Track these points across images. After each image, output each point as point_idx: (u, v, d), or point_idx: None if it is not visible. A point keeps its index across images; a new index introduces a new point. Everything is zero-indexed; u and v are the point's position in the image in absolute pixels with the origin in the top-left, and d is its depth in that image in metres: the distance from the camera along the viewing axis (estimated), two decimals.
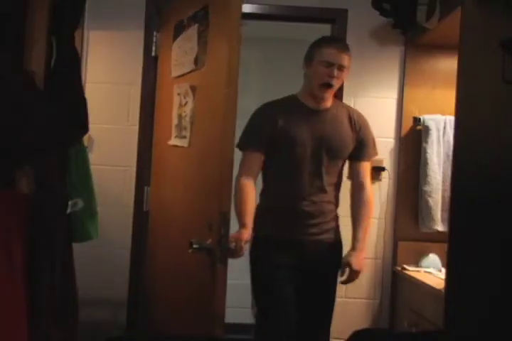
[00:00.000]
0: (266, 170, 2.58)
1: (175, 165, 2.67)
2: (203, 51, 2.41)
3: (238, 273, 2.93)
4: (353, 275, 2.56)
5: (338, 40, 2.69)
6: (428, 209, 2.92)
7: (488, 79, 1.73)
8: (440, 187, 2.93)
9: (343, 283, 2.59)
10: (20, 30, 1.91)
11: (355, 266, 2.54)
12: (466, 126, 1.93)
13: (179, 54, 2.63)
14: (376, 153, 2.70)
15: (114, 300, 3.02)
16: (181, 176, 2.59)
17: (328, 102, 2.57)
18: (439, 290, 2.34)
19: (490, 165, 1.72)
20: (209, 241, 2.22)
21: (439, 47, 2.94)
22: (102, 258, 2.98)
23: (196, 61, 2.45)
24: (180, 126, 2.57)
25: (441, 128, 2.96)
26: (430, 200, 2.92)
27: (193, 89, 2.47)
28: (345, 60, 2.49)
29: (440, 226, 2.91)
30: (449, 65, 2.89)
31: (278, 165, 2.55)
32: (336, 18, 3.06)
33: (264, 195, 2.60)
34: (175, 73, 2.66)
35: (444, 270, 2.60)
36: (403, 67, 3.06)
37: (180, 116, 2.56)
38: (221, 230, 2.21)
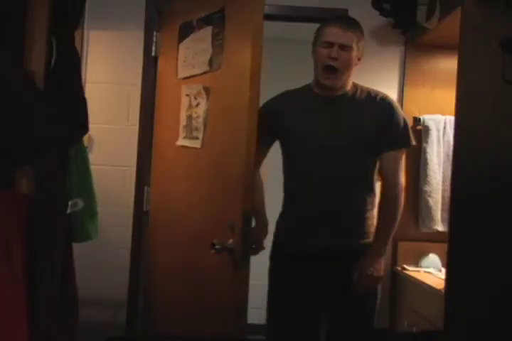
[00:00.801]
0: (283, 165, 2.46)
1: (185, 166, 2.67)
2: (218, 53, 2.45)
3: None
4: (363, 281, 2.27)
5: (343, 18, 2.41)
6: (428, 209, 2.92)
7: (488, 79, 1.73)
8: (440, 187, 2.93)
9: (355, 291, 2.28)
10: (20, 30, 1.91)
11: (363, 271, 2.27)
12: (466, 126, 1.93)
13: (188, 55, 2.64)
14: (407, 142, 2.36)
15: (114, 300, 3.02)
16: (194, 177, 2.61)
17: (342, 88, 2.32)
18: (439, 290, 2.35)
19: (490, 165, 1.72)
20: (230, 241, 2.23)
21: (439, 47, 2.94)
22: (102, 258, 2.98)
23: (211, 63, 2.49)
24: (190, 127, 2.59)
25: (441, 128, 2.96)
26: (430, 200, 2.92)
27: (207, 90, 2.50)
28: (348, 38, 2.24)
29: (440, 226, 2.91)
30: (449, 65, 2.89)
31: (287, 161, 2.42)
32: None
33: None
34: (183, 74, 2.68)
35: (444, 270, 2.60)
36: (403, 67, 3.06)
37: (190, 117, 2.58)
38: (243, 230, 2.24)
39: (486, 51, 1.76)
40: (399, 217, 2.34)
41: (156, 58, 3.02)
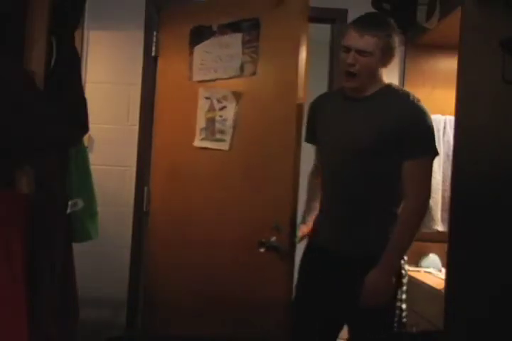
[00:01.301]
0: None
1: (206, 167, 2.74)
2: (252, 60, 2.58)
3: None
4: (365, 296, 2.10)
5: (363, 19, 2.19)
6: (428, 209, 2.92)
7: (488, 79, 1.73)
8: (440, 187, 2.93)
9: (359, 306, 2.12)
10: (20, 30, 1.91)
11: (366, 284, 2.10)
12: (466, 126, 1.93)
13: (207, 59, 2.72)
14: (425, 152, 2.14)
15: (114, 300, 3.02)
16: (221, 178, 2.68)
17: (368, 89, 2.19)
18: (439, 290, 2.35)
19: (490, 165, 1.72)
20: (273, 238, 2.37)
21: (439, 47, 2.94)
22: (102, 258, 2.98)
23: (242, 68, 2.60)
24: (211, 129, 2.68)
25: (441, 128, 2.96)
26: (430, 200, 2.92)
27: (237, 94, 2.61)
28: (365, 43, 2.09)
29: (440, 226, 2.91)
30: (449, 65, 2.89)
31: (320, 161, 2.37)
32: (336, 18, 3.06)
33: None
34: (199, 77, 2.75)
35: (444, 270, 2.60)
36: (403, 67, 3.05)
37: (212, 120, 2.68)
38: (289, 229, 2.36)
39: (486, 51, 1.76)
40: (413, 231, 2.13)
41: (155, 58, 3.02)
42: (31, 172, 1.91)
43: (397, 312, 2.17)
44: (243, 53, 2.60)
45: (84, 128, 2.08)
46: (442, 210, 2.92)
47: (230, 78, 2.63)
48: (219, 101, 2.65)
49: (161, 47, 3.00)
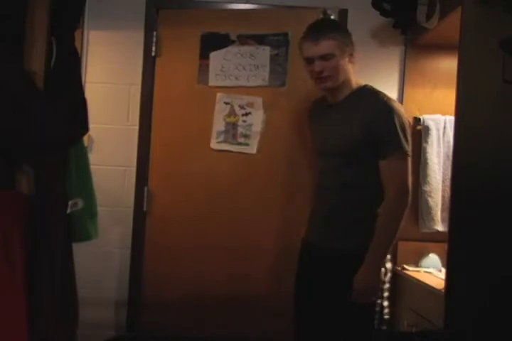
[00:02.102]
0: None
1: (227, 168, 2.98)
2: (281, 72, 2.91)
3: None
4: (356, 294, 2.17)
5: (312, 29, 2.30)
6: (428, 209, 2.92)
7: (488, 79, 1.73)
8: (440, 187, 2.93)
9: (350, 303, 2.20)
10: (20, 30, 1.91)
11: (356, 283, 2.18)
12: (466, 126, 1.93)
13: (228, 66, 2.94)
14: (394, 150, 2.21)
15: (114, 300, 3.01)
16: (248, 180, 2.96)
17: (342, 93, 2.30)
18: (439, 290, 2.34)
19: (490, 165, 1.72)
20: None
21: (439, 47, 2.94)
22: (102, 258, 2.98)
23: (270, 80, 2.92)
24: (233, 133, 2.94)
25: (441, 128, 2.95)
26: (430, 200, 2.92)
27: (266, 103, 2.92)
28: (323, 48, 2.21)
29: (440, 226, 2.91)
30: (449, 64, 2.89)
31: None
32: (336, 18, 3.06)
33: None
34: (217, 83, 2.96)
35: (444, 270, 2.60)
36: (403, 67, 3.05)
37: (233, 124, 2.94)
38: None
39: (486, 51, 1.76)
40: (393, 228, 2.21)
41: (155, 58, 3.02)
42: (31, 172, 1.91)
43: (378, 309, 2.28)
44: (271, 65, 2.91)
45: (84, 128, 2.09)
46: (442, 210, 2.91)
47: (256, 87, 2.92)
48: (242, 107, 2.92)
49: (161, 47, 3.00)
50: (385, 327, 2.27)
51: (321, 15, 2.90)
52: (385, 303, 2.26)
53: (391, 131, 2.20)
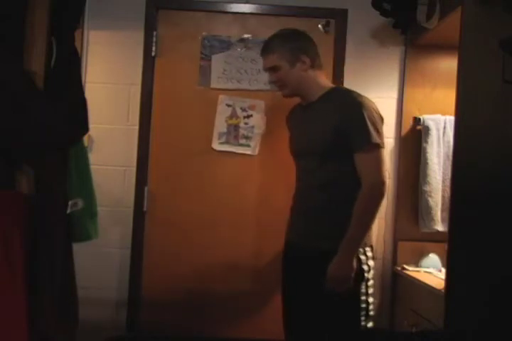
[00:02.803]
0: None
1: (227, 169, 3.03)
2: None
3: None
4: (329, 281, 2.23)
5: (264, 44, 2.51)
6: (428, 209, 2.92)
7: (488, 79, 1.73)
8: (440, 187, 2.93)
9: (325, 291, 2.24)
10: (20, 30, 1.90)
11: (329, 271, 2.23)
12: (466, 126, 1.93)
13: (230, 69, 3.03)
14: (365, 142, 2.25)
15: (114, 300, 3.02)
16: (249, 180, 3.02)
17: (312, 96, 2.41)
18: (439, 290, 2.35)
19: (490, 165, 1.72)
20: None
21: (439, 47, 2.94)
22: (102, 258, 2.98)
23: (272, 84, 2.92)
24: (234, 135, 3.03)
25: (441, 128, 2.96)
26: (430, 200, 2.92)
27: (268, 106, 3.02)
28: (267, 62, 2.43)
29: (440, 226, 2.91)
30: (449, 64, 2.89)
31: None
32: (336, 18, 3.06)
33: None
34: (219, 85, 3.03)
35: (444, 270, 2.60)
36: (403, 67, 3.05)
37: (234, 126, 3.03)
38: None
39: (486, 51, 1.76)
40: (367, 218, 2.27)
41: (155, 58, 3.03)
42: (31, 172, 1.91)
43: (364, 305, 2.29)
44: None
45: (84, 128, 2.08)
46: (442, 210, 2.92)
47: (258, 90, 3.02)
48: (243, 109, 3.02)
49: (161, 47, 3.01)
50: (370, 324, 2.29)
51: (322, 25, 3.02)
52: (371, 300, 2.29)
53: (360, 125, 2.26)
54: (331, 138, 2.28)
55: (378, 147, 2.29)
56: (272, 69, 2.43)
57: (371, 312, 2.30)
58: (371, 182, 2.25)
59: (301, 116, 2.51)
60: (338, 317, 2.27)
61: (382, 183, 2.26)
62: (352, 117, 2.27)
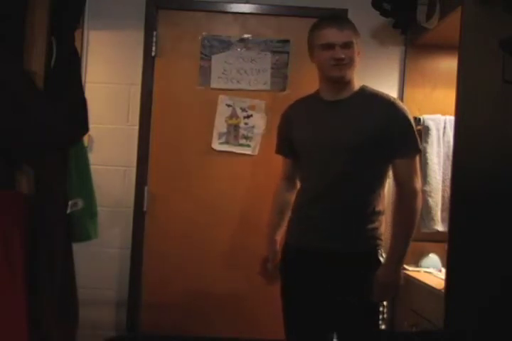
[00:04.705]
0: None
1: (228, 168, 3.04)
2: (282, 77, 3.05)
3: None
4: (378, 289, 2.17)
5: (335, 17, 2.34)
6: (428, 209, 2.92)
7: (488, 79, 1.73)
8: (440, 187, 2.93)
9: (373, 299, 2.20)
10: (20, 30, 1.90)
11: (378, 280, 2.17)
12: (466, 126, 1.93)
13: (230, 70, 3.05)
14: (412, 150, 2.26)
15: (114, 300, 3.01)
16: (248, 180, 3.04)
17: (347, 91, 2.28)
18: (439, 290, 2.34)
19: (490, 165, 1.72)
20: None
21: (439, 47, 2.94)
22: (102, 258, 2.98)
23: (271, 84, 3.04)
24: (234, 135, 3.04)
25: (441, 128, 2.95)
26: (430, 200, 2.92)
27: (268, 106, 3.03)
28: (347, 35, 2.22)
29: (440, 226, 2.91)
30: (449, 64, 2.89)
31: (301, 169, 2.41)
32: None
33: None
34: (219, 85, 3.04)
35: (444, 270, 2.60)
36: (403, 67, 3.05)
37: (234, 126, 3.04)
38: None
39: (486, 51, 1.76)
40: (413, 224, 2.23)
41: (155, 58, 3.03)
42: (31, 172, 1.91)
43: (381, 308, 2.25)
44: (272, 70, 3.04)
45: (84, 128, 2.08)
46: (442, 210, 2.91)
47: (257, 90, 3.03)
48: (244, 109, 3.03)
49: (161, 47, 3.01)
50: (383, 327, 2.28)
51: None
52: (385, 302, 2.29)
53: (407, 131, 2.25)
54: (367, 138, 2.20)
55: (419, 155, 2.33)
56: (345, 45, 2.21)
57: (385, 315, 2.29)
58: (413, 189, 2.22)
59: (328, 112, 2.30)
60: (363, 321, 2.24)
61: (420, 190, 2.26)
62: (400, 123, 2.24)
